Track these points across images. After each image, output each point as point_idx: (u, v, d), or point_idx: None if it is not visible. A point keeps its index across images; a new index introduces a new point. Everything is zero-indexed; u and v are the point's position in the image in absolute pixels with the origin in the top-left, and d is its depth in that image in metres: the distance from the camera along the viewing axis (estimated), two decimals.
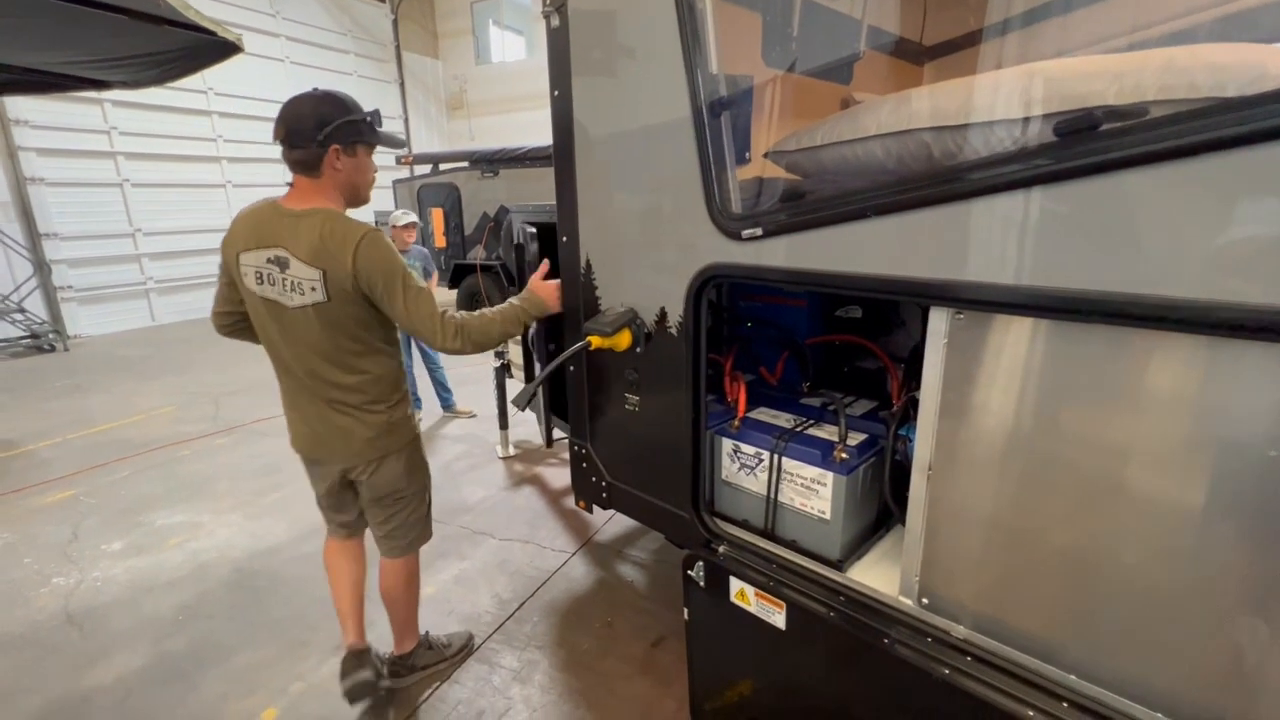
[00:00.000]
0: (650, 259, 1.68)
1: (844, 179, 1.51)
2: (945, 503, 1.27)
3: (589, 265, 1.86)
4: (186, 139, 10.16)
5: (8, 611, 2.90)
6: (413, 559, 2.22)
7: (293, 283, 1.68)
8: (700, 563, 1.67)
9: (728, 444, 1.75)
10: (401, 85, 13.93)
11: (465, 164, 8.26)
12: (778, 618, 1.52)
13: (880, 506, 1.70)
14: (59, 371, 7.27)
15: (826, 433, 1.66)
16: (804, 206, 1.40)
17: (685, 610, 1.77)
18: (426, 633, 2.46)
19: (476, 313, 1.80)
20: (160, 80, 5.25)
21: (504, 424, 4.55)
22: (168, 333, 9.49)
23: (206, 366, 7.30)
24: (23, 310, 8.20)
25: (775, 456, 1.63)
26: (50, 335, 8.30)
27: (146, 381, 6.75)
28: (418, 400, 5.19)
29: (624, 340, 1.72)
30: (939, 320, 1.20)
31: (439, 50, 15.16)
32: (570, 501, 3.83)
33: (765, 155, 1.78)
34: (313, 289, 1.67)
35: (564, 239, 1.90)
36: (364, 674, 2.11)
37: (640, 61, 1.56)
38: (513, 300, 1.92)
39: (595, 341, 1.70)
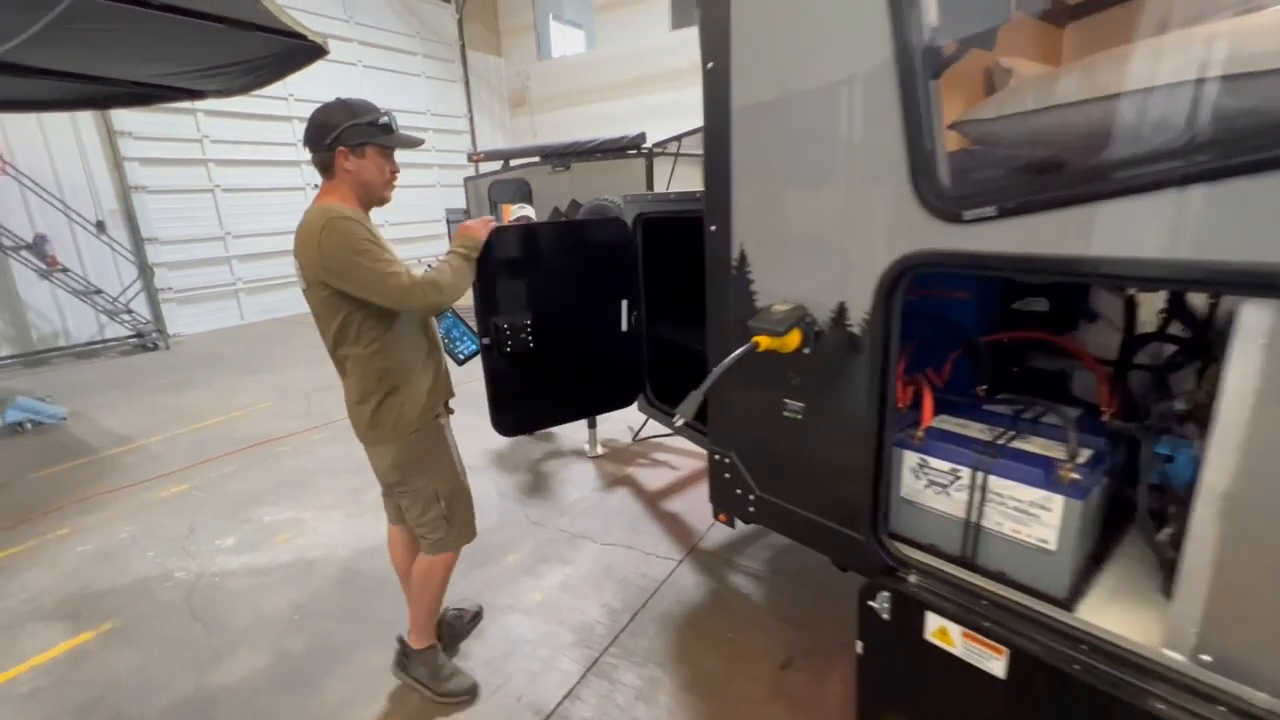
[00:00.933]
0: (827, 247, 1.48)
1: (1073, 147, 1.27)
2: (1249, 540, 1.02)
3: (743, 257, 1.67)
4: (270, 144, 10.59)
5: (136, 603, 2.99)
6: (438, 561, 2.21)
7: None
8: (885, 593, 1.47)
9: (911, 458, 1.53)
10: (466, 84, 14.10)
11: (536, 159, 8.23)
12: (994, 664, 1.30)
13: (1102, 535, 1.46)
14: (163, 369, 7.68)
15: (1036, 446, 1.43)
16: (1067, 179, 1.17)
17: (860, 644, 1.58)
18: (437, 648, 2.37)
19: (433, 267, 1.91)
20: (250, 87, 5.42)
21: (592, 422, 4.44)
22: (255, 330, 9.93)
23: (295, 363, 7.55)
24: (130, 311, 8.71)
25: (978, 474, 1.41)
26: (154, 334, 8.80)
27: (242, 378, 7.03)
28: None
29: (793, 340, 1.53)
30: (1260, 315, 0.95)
31: (501, 48, 15.27)
32: (670, 505, 3.68)
33: (952, 126, 1.55)
34: (300, 275, 1.82)
35: (712, 228, 1.72)
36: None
37: (826, 11, 1.35)
38: (449, 249, 2.05)
39: (764, 343, 1.52)
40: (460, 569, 2.42)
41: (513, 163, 8.66)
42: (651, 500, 3.76)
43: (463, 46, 13.91)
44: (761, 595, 2.83)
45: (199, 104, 9.01)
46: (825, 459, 1.61)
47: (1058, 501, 1.30)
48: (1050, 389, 1.82)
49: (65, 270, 8.09)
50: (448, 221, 10.14)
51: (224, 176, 10.06)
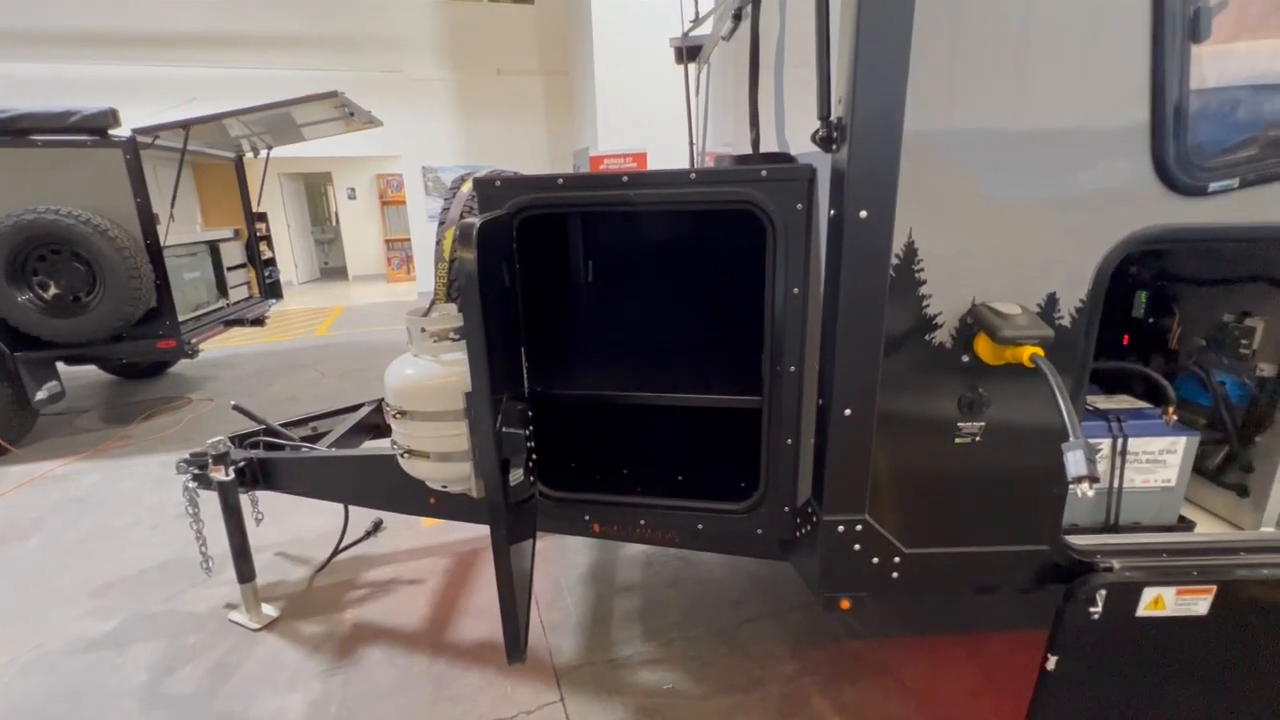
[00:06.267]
0: (1041, 228, 1.23)
1: None
2: None
3: (911, 251, 1.23)
4: None
5: None
6: None
7: None
8: (1102, 590, 1.37)
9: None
10: None
11: None
12: (1200, 606, 1.40)
13: None
14: None
15: (1127, 403, 1.60)
16: None
17: (1053, 660, 1.44)
18: None
19: None
20: None
21: (245, 574, 2.66)
22: None
23: None
24: None
25: (1119, 440, 1.47)
26: None
27: None
28: None
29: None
30: None
31: None
32: (464, 632, 2.56)
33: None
34: None
35: (862, 214, 1.19)
36: None
37: None
38: None
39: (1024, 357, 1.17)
40: None
41: None
42: (432, 641, 2.54)
43: None
44: (686, 676, 2.30)
45: None
46: (1008, 477, 1.38)
47: (1181, 442, 1.49)
48: None
49: None
50: None
51: None
